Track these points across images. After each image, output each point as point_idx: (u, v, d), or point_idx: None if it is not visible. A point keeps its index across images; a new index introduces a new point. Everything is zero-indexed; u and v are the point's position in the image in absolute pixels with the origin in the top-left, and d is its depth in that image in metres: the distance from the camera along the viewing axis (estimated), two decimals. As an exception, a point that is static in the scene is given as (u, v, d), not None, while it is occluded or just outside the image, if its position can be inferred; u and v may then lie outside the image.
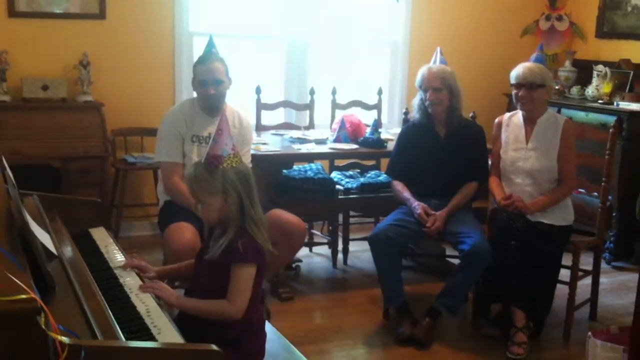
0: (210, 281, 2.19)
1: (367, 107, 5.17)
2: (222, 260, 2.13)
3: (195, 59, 3.69)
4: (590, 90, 5.38)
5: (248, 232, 2.14)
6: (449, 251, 4.41)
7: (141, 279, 2.30)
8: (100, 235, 2.68)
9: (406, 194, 3.80)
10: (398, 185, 3.88)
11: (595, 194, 3.92)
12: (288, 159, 4.23)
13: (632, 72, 5.20)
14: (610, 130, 3.82)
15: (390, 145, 4.19)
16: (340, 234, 4.71)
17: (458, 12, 5.83)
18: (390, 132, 4.76)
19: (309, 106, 5.01)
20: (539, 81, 3.59)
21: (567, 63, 5.76)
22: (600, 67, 5.36)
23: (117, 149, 4.85)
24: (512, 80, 3.65)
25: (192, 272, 2.42)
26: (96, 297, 1.95)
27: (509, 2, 5.99)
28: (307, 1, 5.36)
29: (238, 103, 3.92)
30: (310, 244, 4.86)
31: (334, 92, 5.04)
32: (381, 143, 4.33)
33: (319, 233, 4.93)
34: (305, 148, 4.22)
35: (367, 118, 4.75)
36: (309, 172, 4.41)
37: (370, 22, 5.68)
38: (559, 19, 5.91)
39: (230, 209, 2.14)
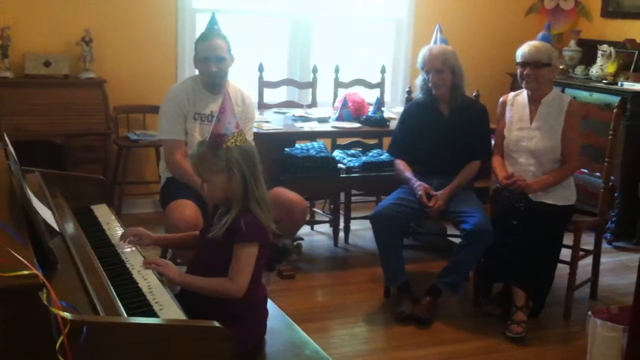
0: (212, 259, 2.19)
1: (370, 85, 5.15)
2: (225, 239, 2.13)
3: (198, 35, 3.67)
4: (594, 70, 5.35)
5: (251, 211, 2.14)
6: (451, 230, 4.41)
7: (140, 253, 2.31)
8: (102, 212, 2.68)
9: (408, 173, 3.79)
10: (400, 165, 3.87)
11: (598, 174, 3.92)
12: (290, 137, 4.22)
13: (636, 52, 5.17)
14: (614, 110, 3.81)
15: (393, 124, 4.18)
16: (341, 212, 4.71)
17: (463, -10, 5.79)
18: (393, 111, 4.74)
19: (312, 84, 4.99)
20: (545, 60, 3.56)
21: (572, 42, 5.72)
22: (605, 46, 5.32)
23: (119, 126, 4.84)
24: (518, 59, 3.63)
25: (189, 243, 2.45)
26: (98, 274, 1.96)
27: (515, -20, 5.94)
28: (311, -22, 5.32)
29: (240, 81, 3.90)
30: (312, 222, 4.86)
31: (336, 70, 5.01)
32: (384, 122, 4.32)
33: (320, 211, 4.94)
34: (307, 126, 4.21)
35: (369, 96, 4.72)
36: (311, 151, 4.40)
37: (374, -1, 5.65)
38: (565, -3, 5.86)
39: (234, 187, 2.13)
